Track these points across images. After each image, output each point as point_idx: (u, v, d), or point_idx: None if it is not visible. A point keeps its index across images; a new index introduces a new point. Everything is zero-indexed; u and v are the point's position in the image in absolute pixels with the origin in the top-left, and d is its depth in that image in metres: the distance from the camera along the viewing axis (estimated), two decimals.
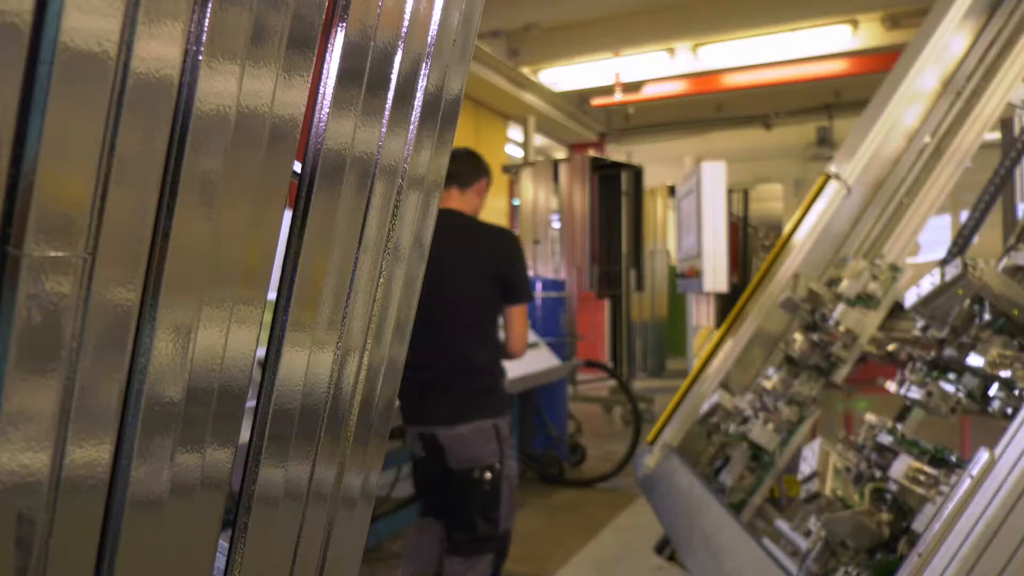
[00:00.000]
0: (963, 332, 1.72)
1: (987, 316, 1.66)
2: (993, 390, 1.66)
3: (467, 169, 2.62)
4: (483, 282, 2.48)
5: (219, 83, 0.64)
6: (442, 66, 0.91)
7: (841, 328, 2.43)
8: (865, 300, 2.48)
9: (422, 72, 0.90)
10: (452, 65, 0.92)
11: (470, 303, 2.48)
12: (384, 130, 0.87)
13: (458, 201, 2.59)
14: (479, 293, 2.49)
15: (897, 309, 2.48)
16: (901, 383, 1.93)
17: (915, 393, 1.82)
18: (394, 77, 0.87)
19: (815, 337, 2.54)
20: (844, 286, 2.52)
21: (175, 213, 0.64)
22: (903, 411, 2.74)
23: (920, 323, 1.86)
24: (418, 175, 0.93)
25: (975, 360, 1.64)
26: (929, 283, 1.73)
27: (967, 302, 1.69)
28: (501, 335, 2.58)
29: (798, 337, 2.60)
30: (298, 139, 0.73)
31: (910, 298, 1.79)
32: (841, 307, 2.45)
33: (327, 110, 0.80)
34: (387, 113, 0.88)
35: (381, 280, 0.90)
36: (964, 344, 1.71)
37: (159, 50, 0.61)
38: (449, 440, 2.39)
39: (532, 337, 5.18)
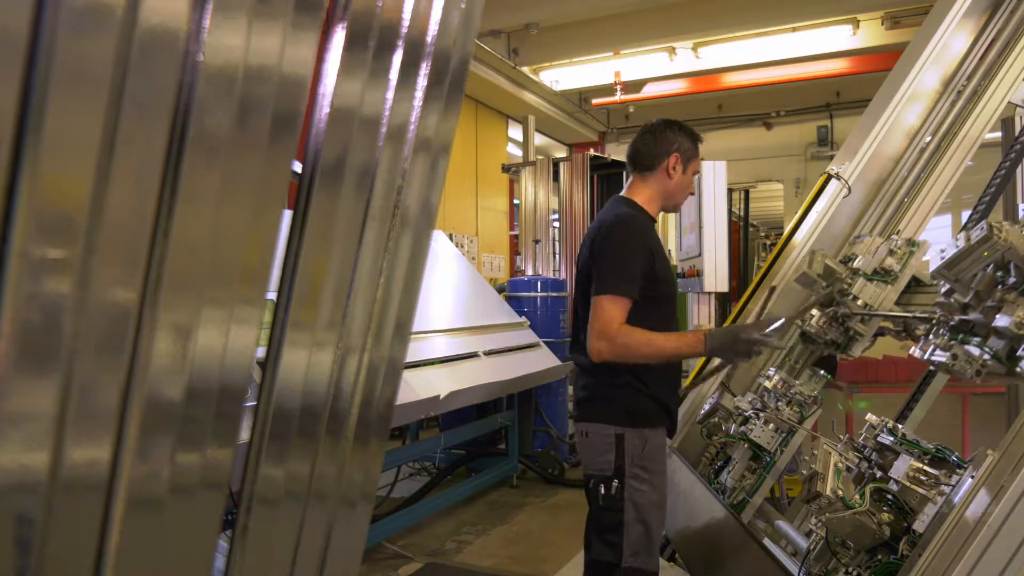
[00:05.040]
0: (987, 297, 1.69)
1: (1012, 280, 1.63)
2: (1020, 352, 1.62)
3: (646, 148, 2.25)
4: (586, 272, 2.19)
5: (227, 36, 0.63)
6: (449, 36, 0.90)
7: (859, 302, 2.41)
8: (882, 275, 2.45)
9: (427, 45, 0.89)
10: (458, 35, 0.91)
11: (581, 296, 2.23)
12: (384, 130, 0.87)
13: (636, 189, 2.27)
14: (584, 286, 2.22)
15: (914, 284, 2.45)
16: (924, 348, 1.88)
17: (940, 356, 1.78)
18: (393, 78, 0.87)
19: (832, 311, 2.49)
20: (860, 261, 2.49)
21: (175, 213, 0.64)
22: (904, 411, 2.74)
23: (944, 287, 1.81)
24: (418, 174, 0.93)
25: (1002, 320, 1.61)
26: (953, 247, 1.71)
27: (991, 267, 1.66)
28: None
29: (815, 313, 2.56)
30: (303, 115, 0.71)
31: (935, 262, 1.76)
32: (860, 281, 2.41)
33: (327, 110, 0.80)
34: (386, 114, 0.88)
35: (381, 280, 0.89)
36: (989, 308, 1.68)
37: (160, 43, 0.61)
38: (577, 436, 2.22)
39: (532, 337, 5.19)
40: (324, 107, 0.80)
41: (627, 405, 2.10)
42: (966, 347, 1.70)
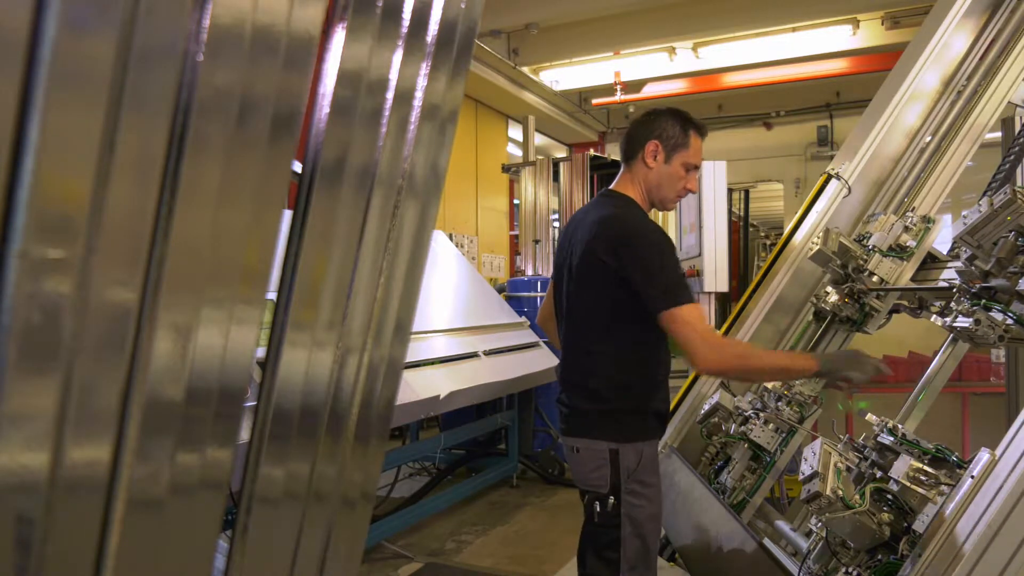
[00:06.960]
0: (1009, 263, 1.68)
1: None
2: None
3: (628, 136, 2.10)
4: (594, 276, 2.00)
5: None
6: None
7: (875, 278, 2.39)
8: (898, 252, 2.44)
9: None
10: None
11: (580, 302, 2.06)
12: (384, 130, 0.87)
13: (621, 180, 2.10)
14: (579, 283, 2.05)
15: (929, 261, 2.44)
16: (945, 315, 1.86)
17: (962, 322, 1.77)
18: (394, 79, 0.87)
19: (848, 288, 2.47)
20: (875, 238, 2.48)
21: (175, 213, 0.64)
22: (904, 411, 2.73)
23: (966, 254, 1.79)
24: (418, 176, 0.93)
25: None
26: (976, 212, 1.70)
27: (1013, 233, 1.66)
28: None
29: (830, 290, 2.55)
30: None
31: (957, 228, 1.75)
32: (876, 257, 2.40)
33: (327, 109, 0.80)
34: (385, 116, 0.88)
35: (381, 280, 0.89)
36: (1012, 273, 1.67)
37: (160, 43, 0.61)
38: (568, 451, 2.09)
39: (532, 337, 5.19)
40: (324, 107, 0.80)
41: (620, 419, 1.98)
42: (989, 312, 1.69)
